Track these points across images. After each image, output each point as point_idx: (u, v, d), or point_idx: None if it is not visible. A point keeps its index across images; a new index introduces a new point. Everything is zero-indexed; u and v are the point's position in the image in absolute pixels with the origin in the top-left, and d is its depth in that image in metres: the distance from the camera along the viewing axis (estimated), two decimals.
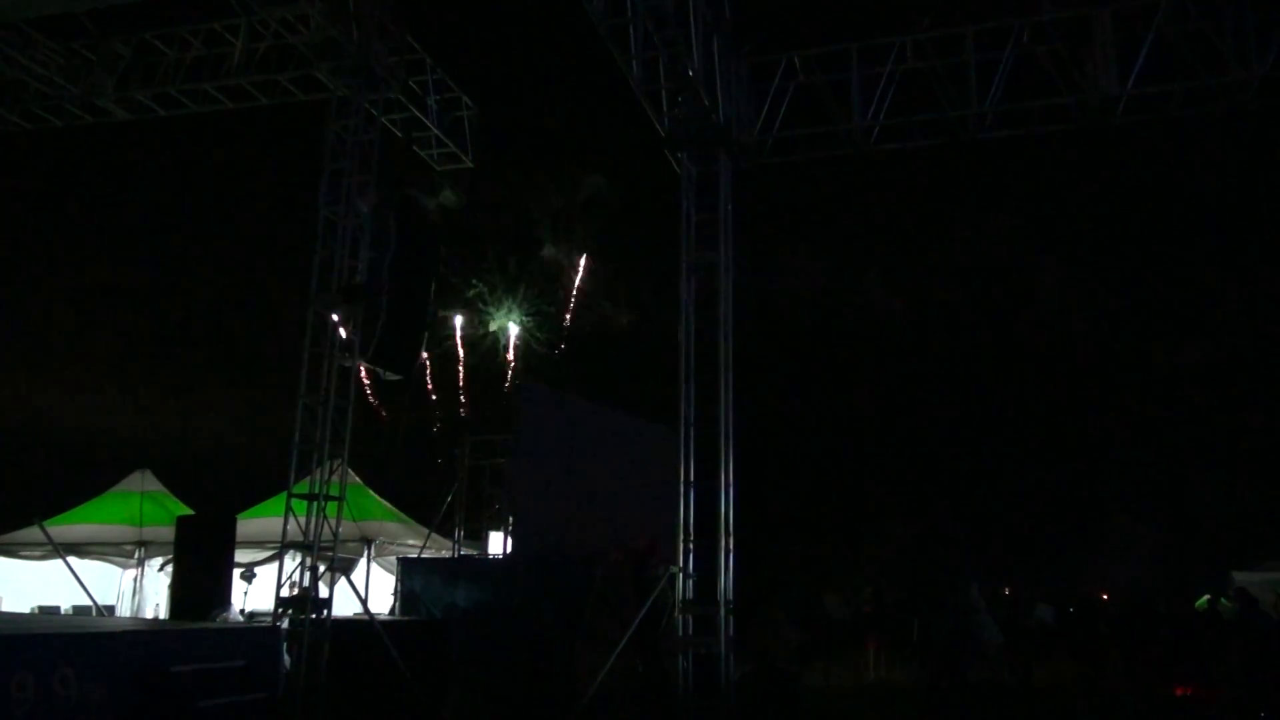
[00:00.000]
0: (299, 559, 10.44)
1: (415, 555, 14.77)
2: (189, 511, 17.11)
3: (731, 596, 9.73)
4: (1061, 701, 13.82)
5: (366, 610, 11.59)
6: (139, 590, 16.23)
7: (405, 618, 12.09)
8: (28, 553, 16.73)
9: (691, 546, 9.92)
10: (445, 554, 15.44)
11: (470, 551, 15.63)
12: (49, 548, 15.65)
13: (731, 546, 9.82)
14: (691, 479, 10.08)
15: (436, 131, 12.63)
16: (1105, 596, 24.65)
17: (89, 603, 15.09)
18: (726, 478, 9.95)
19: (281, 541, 10.45)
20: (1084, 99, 10.11)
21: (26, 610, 15.90)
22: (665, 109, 10.42)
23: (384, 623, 11.09)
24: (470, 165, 13.22)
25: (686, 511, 10.04)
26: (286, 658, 9.40)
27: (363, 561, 15.33)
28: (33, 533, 16.49)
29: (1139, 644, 14.56)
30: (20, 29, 11.80)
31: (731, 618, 9.74)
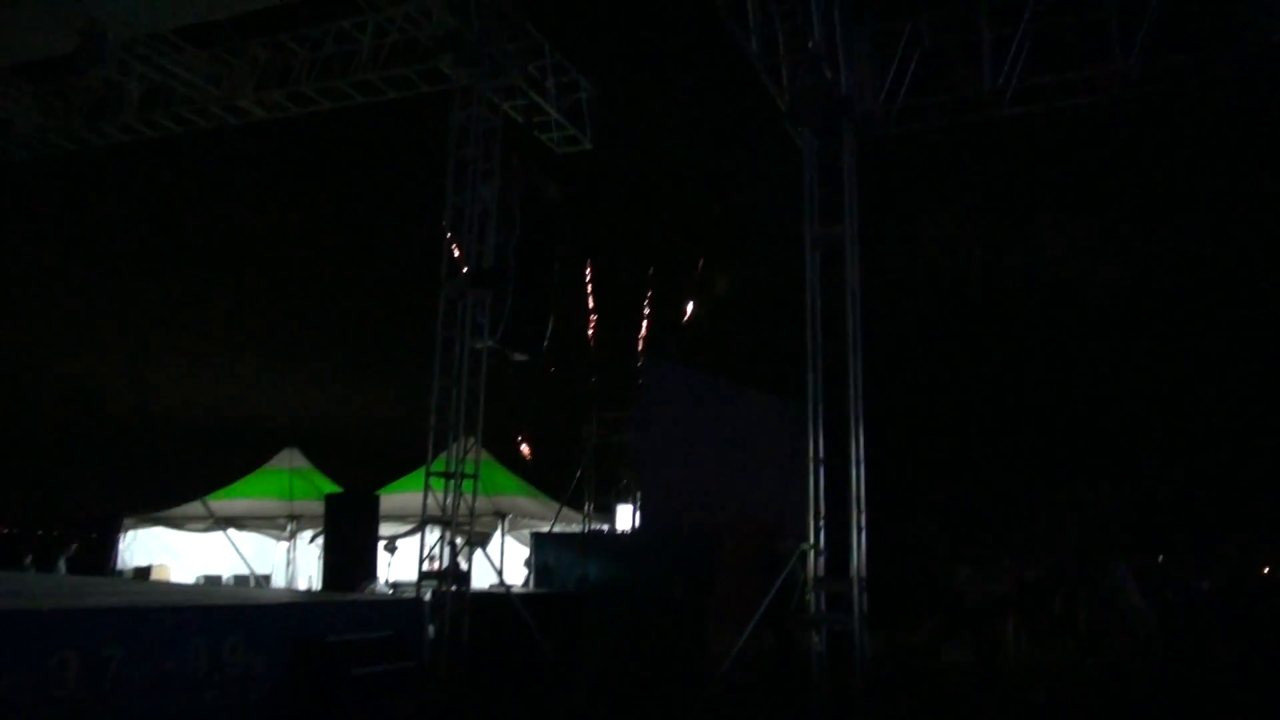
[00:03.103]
0: (438, 534, 10.89)
1: (547, 530, 15.17)
2: (335, 488, 18.05)
3: (865, 573, 9.61)
4: (1217, 684, 13.12)
5: (503, 583, 12.00)
6: (292, 561, 17.22)
7: (540, 590, 12.45)
8: (192, 526, 17.97)
9: (823, 523, 9.83)
10: (576, 528, 15.80)
11: (600, 526, 15.95)
12: (211, 521, 16.81)
13: (864, 523, 9.68)
14: (821, 456, 9.98)
15: (556, 115, 12.77)
16: (1266, 571, 23.20)
17: (248, 573, 16.15)
18: (857, 454, 9.79)
19: (422, 517, 10.91)
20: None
21: (193, 579, 17.14)
22: (785, 83, 10.24)
23: (520, 595, 11.47)
24: (589, 147, 13.33)
25: (816, 488, 9.95)
26: (430, 628, 9.82)
27: (497, 535, 15.86)
28: (196, 507, 17.72)
29: None
30: (168, 39, 12.52)
31: (865, 595, 9.63)
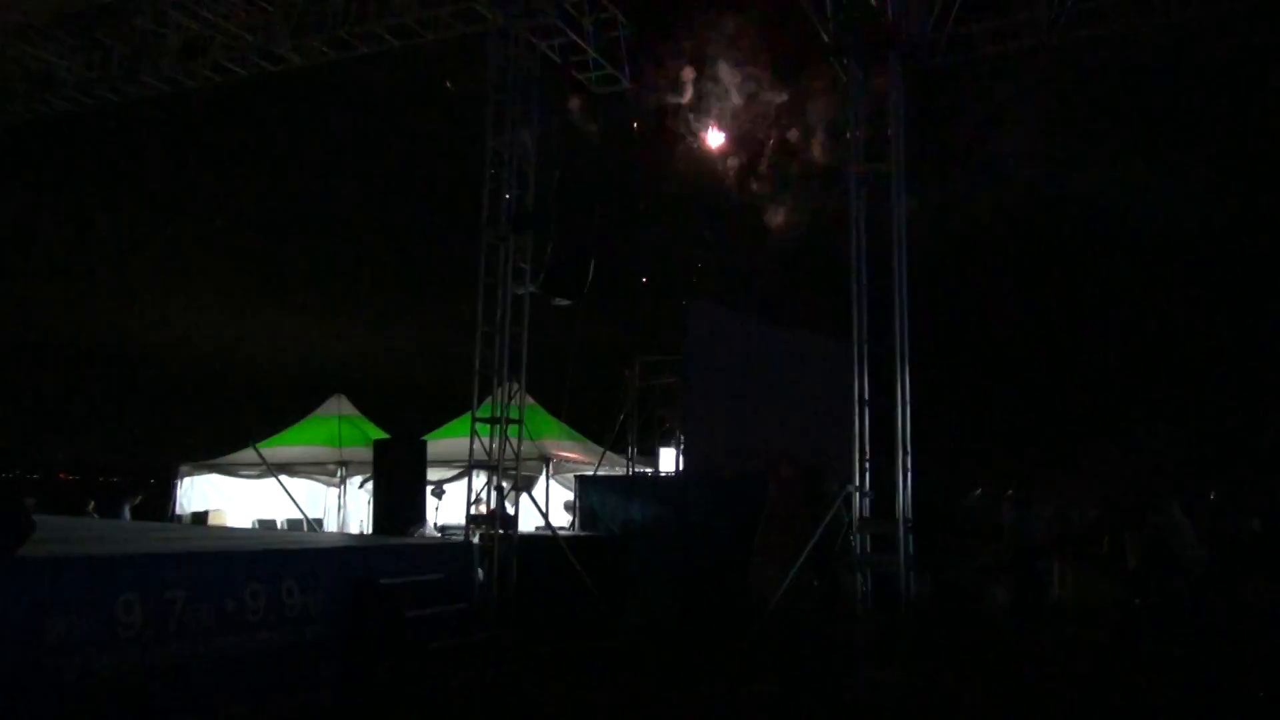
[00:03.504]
0: (485, 478, 11.02)
1: (591, 473, 15.28)
2: (381, 434, 18.31)
3: (910, 514, 9.57)
4: (1267, 624, 12.95)
5: (549, 525, 12.15)
6: (342, 506, 17.59)
7: (585, 533, 12.59)
8: (245, 472, 18.39)
9: (868, 465, 9.79)
10: (619, 472, 15.91)
11: (644, 469, 16.04)
12: (263, 467, 17.17)
13: (909, 465, 9.62)
14: (866, 396, 9.89)
15: (593, 54, 12.55)
16: None
17: (300, 517, 16.52)
18: (903, 394, 9.69)
19: (469, 462, 11.04)
20: None
21: (248, 524, 17.60)
22: (829, 12, 9.93)
23: (566, 538, 11.61)
24: (628, 85, 13.11)
25: (862, 429, 9.88)
26: (479, 571, 9.99)
27: (542, 479, 16.02)
28: (248, 454, 18.11)
29: None
30: None
31: (911, 536, 9.60)
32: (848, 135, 10.17)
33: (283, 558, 8.00)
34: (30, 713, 6.06)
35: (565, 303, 11.66)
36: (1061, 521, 16.31)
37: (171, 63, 13.64)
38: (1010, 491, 14.03)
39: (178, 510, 18.47)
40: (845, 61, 10.01)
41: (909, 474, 9.63)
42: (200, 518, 17.75)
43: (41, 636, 6.10)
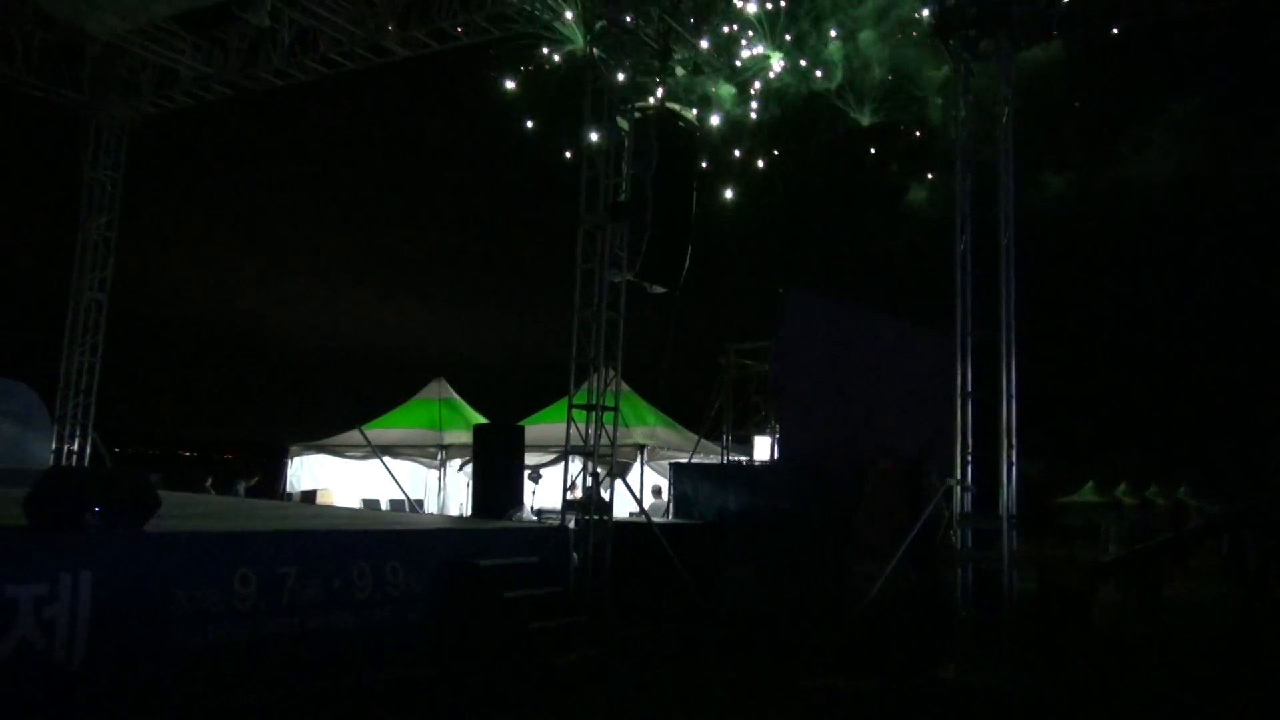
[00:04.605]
0: (580, 464, 11.15)
1: (685, 460, 15.30)
2: (480, 418, 18.72)
3: (1014, 510, 9.28)
4: None
5: (643, 511, 12.22)
6: (442, 488, 18.06)
7: (680, 520, 12.62)
8: (351, 453, 19.07)
9: (970, 458, 9.52)
10: (714, 459, 15.89)
11: (738, 457, 15.98)
12: (368, 449, 17.76)
13: (1014, 459, 9.31)
14: (969, 389, 9.61)
15: (689, 37, 12.48)
16: None
17: (403, 498, 17.03)
18: (1009, 387, 9.38)
19: (565, 448, 11.18)
20: None
21: (355, 504, 18.24)
22: None
23: (660, 525, 11.65)
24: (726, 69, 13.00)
25: (964, 422, 9.61)
26: (575, 555, 10.12)
27: (636, 465, 16.12)
28: (354, 436, 18.76)
29: None
30: None
31: (1015, 532, 9.31)
32: (955, 118, 9.86)
33: (387, 538, 8.27)
34: (159, 679, 6.43)
35: (661, 290, 11.67)
36: (1178, 518, 15.62)
37: (283, 57, 14.15)
38: (1124, 486, 13.51)
39: (288, 489, 19.26)
40: (952, 42, 9.70)
41: (1013, 468, 9.32)
42: (309, 496, 18.46)
43: (168, 607, 6.47)
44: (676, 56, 12.40)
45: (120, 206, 16.32)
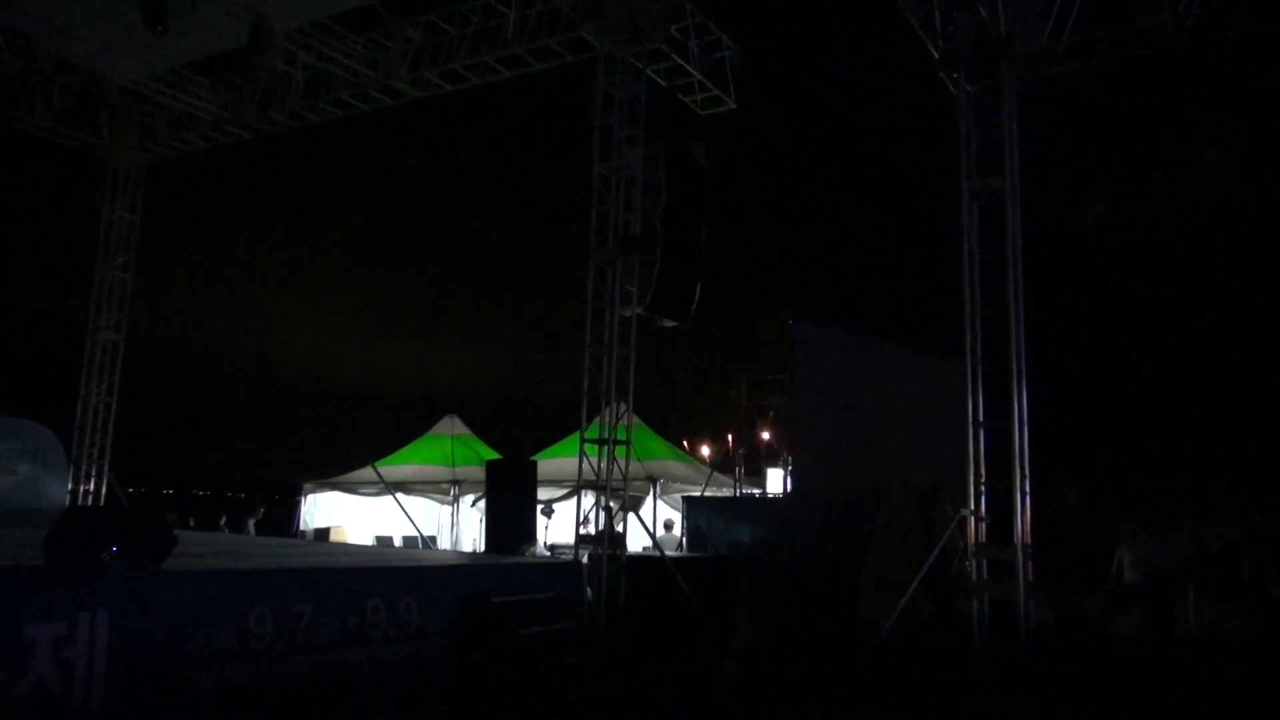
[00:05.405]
0: (593, 498, 11.15)
1: (698, 494, 15.27)
2: (493, 453, 18.72)
3: (1029, 540, 9.24)
4: None
5: (657, 545, 12.19)
6: (455, 524, 18.02)
7: (693, 554, 12.58)
8: (364, 490, 19.06)
9: (983, 488, 9.49)
10: (726, 492, 15.86)
11: (751, 490, 15.94)
12: (381, 486, 17.77)
13: (1028, 488, 9.29)
14: (980, 418, 9.61)
15: (699, 76, 12.65)
16: None
17: (416, 534, 17.02)
18: (1020, 415, 9.39)
19: (578, 483, 11.19)
20: None
21: (367, 540, 18.21)
22: (939, 27, 9.76)
23: (674, 558, 11.62)
24: (734, 107, 13.15)
25: (976, 451, 9.61)
26: (588, 590, 10.09)
27: (649, 499, 16.09)
28: (366, 473, 18.76)
29: None
30: (329, 26, 13.12)
31: (1030, 562, 9.27)
32: (960, 150, 9.94)
33: (401, 575, 8.27)
34: (176, 719, 6.43)
35: (672, 324, 11.74)
36: (1197, 546, 15.43)
37: (297, 100, 14.39)
38: (1141, 513, 13.38)
39: (301, 526, 19.25)
40: (956, 76, 9.82)
41: (1027, 497, 9.30)
42: (323, 534, 18.45)
43: (184, 646, 6.48)
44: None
45: (137, 248, 16.55)
